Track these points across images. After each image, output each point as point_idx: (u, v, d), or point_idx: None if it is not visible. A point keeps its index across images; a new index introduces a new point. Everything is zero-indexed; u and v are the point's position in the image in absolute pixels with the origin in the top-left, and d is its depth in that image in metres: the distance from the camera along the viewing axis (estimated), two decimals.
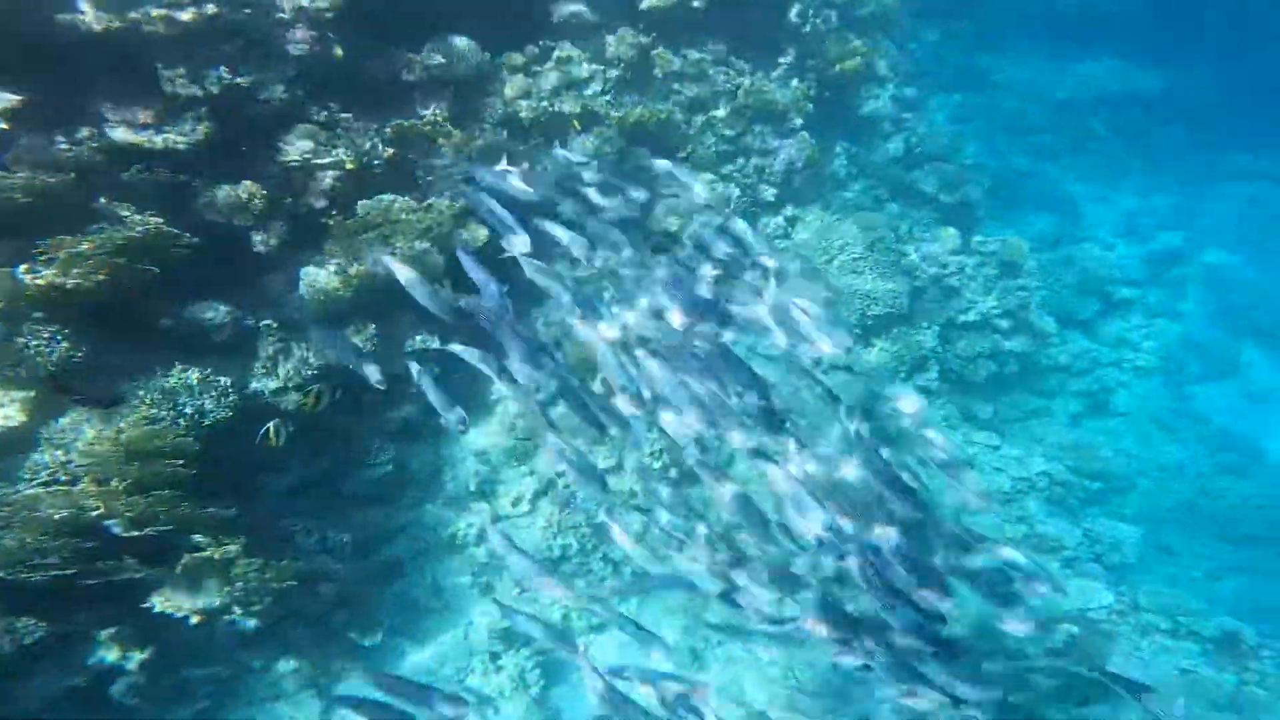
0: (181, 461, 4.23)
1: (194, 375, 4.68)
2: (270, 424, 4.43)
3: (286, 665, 5.25)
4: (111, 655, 4.47)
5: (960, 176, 9.78)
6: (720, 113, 8.49)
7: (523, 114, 7.27)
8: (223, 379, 4.81)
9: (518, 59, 7.51)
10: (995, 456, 8.68)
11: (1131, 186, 14.58)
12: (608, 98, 7.80)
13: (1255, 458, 10.29)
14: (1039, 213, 13.33)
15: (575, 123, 7.39)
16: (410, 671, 5.62)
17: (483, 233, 6.24)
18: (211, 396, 4.66)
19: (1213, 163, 14.83)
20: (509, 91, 7.36)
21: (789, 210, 8.93)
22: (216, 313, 5.21)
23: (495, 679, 5.66)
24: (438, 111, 6.63)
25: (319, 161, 5.72)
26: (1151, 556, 8.59)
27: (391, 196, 6.05)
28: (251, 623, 4.66)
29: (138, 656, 4.50)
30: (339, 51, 5.98)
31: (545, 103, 7.41)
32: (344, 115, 6.13)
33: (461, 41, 6.95)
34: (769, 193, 8.79)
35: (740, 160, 8.71)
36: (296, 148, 5.76)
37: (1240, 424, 10.92)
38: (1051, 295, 10.31)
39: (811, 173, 8.86)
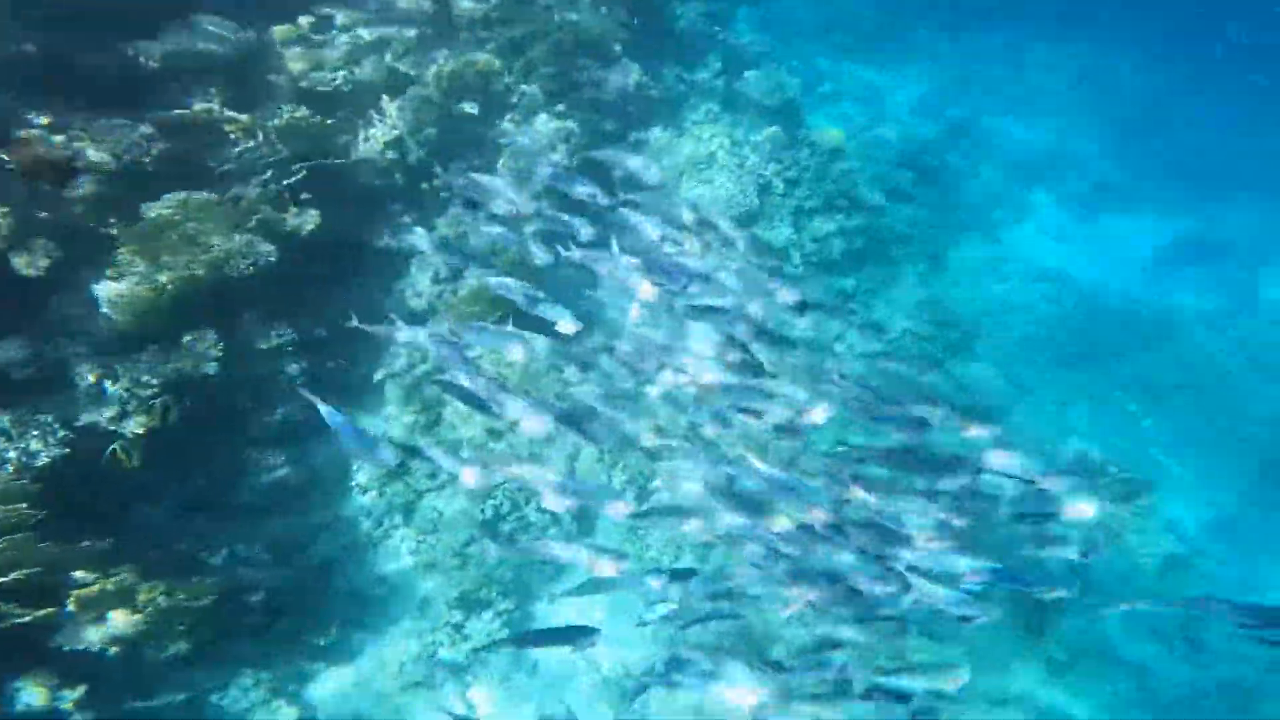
0: (25, 505, 3.58)
1: (5, 419, 3.94)
2: (114, 446, 3.89)
3: (246, 680, 4.90)
4: (38, 699, 4.13)
5: (778, 81, 10.15)
6: (538, 52, 8.18)
7: (320, 87, 6.59)
8: (42, 417, 4.11)
9: (289, 31, 6.80)
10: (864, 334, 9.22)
11: (916, 73, 15.82)
12: (411, 58, 7.24)
13: (1064, 283, 11.65)
14: (849, 104, 14.21)
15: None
16: (379, 659, 5.27)
17: (311, 216, 5.67)
18: (35, 437, 3.99)
19: (975, 40, 16.34)
20: (295, 66, 6.68)
21: (632, 136, 8.85)
22: (6, 351, 4.42)
23: (465, 646, 5.33)
24: (210, 98, 5.88)
25: (75, 165, 4.91)
26: (1012, 395, 9.50)
27: (185, 193, 5.33)
28: (182, 645, 4.34)
29: (71, 695, 4.17)
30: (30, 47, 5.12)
31: (343, 72, 6.76)
32: (77, 116, 5.30)
33: (212, 21, 6.19)
34: (608, 123, 8.64)
35: (573, 95, 8.48)
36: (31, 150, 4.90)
37: (1046, 257, 12.32)
38: (875, 173, 11.04)
39: (643, 97, 8.79)
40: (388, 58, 7.17)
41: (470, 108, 7.51)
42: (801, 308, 4.64)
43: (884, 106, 14.57)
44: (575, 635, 4.39)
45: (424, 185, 6.89)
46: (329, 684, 5.19)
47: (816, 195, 9.36)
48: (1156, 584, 7.92)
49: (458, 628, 5.57)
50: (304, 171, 5.68)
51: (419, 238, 5.44)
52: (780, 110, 10.11)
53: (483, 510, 6.00)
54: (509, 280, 4.68)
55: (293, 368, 5.48)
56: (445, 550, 5.74)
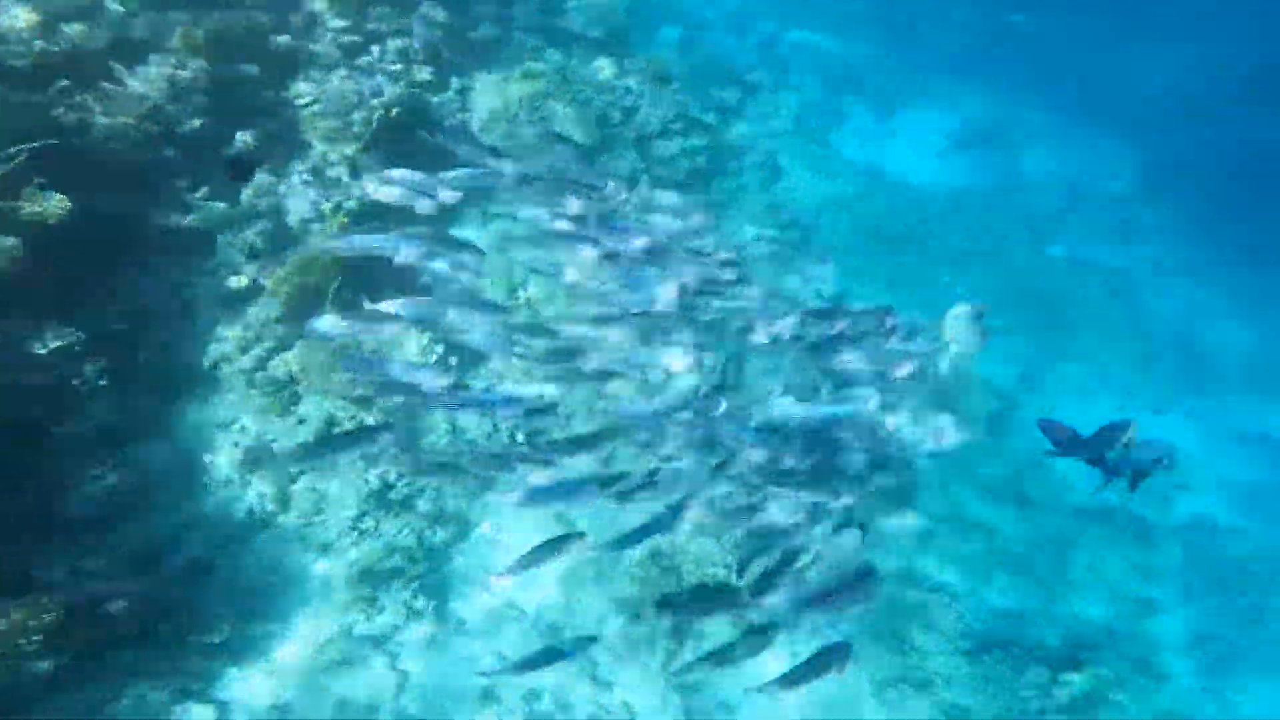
0: None
1: None
2: None
3: (141, 687, 4.54)
4: None
5: (602, 9, 9.91)
6: (320, 5, 7.38)
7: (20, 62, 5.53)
8: None
9: None
10: (716, 238, 9.48)
11: None
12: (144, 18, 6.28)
13: (878, 176, 12.51)
14: (669, 27, 14.19)
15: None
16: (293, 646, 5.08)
17: (56, 201, 4.85)
18: None
19: None
20: None
21: (455, 83, 8.30)
22: None
23: (383, 618, 5.07)
24: None
25: None
26: (849, 283, 10.16)
27: None
28: (43, 664, 4.04)
29: None
30: None
31: (56, 46, 5.75)
32: None
33: None
34: (424, 72, 8.02)
35: (375, 49, 7.76)
36: None
37: (861, 155, 13.13)
38: (703, 93, 11.19)
39: (459, 40, 8.24)
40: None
41: (250, 69, 6.65)
42: None
43: (703, 26, 14.69)
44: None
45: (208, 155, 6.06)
46: (245, 678, 4.90)
47: (653, 121, 9.33)
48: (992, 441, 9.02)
49: (370, 601, 5.27)
50: (24, 155, 4.77)
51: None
52: (608, 40, 9.91)
53: (367, 481, 5.63)
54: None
55: (88, 368, 4.75)
56: (336, 529, 5.37)
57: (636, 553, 5.79)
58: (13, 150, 4.73)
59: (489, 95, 8.29)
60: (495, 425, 5.91)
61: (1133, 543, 8.62)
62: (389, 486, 5.83)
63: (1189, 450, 9.77)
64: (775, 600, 4.03)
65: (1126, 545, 8.57)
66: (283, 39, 7.13)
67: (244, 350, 5.60)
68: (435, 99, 8.08)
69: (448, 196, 4.48)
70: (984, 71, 15.10)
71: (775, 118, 12.35)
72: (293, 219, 6.27)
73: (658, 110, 9.51)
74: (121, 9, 6.24)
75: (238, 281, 5.72)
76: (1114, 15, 14.75)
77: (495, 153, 4.97)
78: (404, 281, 4.90)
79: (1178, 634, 8.05)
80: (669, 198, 5.47)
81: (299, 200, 6.13)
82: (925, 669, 7.15)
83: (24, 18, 5.51)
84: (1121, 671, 7.07)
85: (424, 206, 4.51)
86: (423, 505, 5.94)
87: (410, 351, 5.74)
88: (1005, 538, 8.44)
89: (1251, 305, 11.34)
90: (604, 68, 9.33)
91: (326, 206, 6.02)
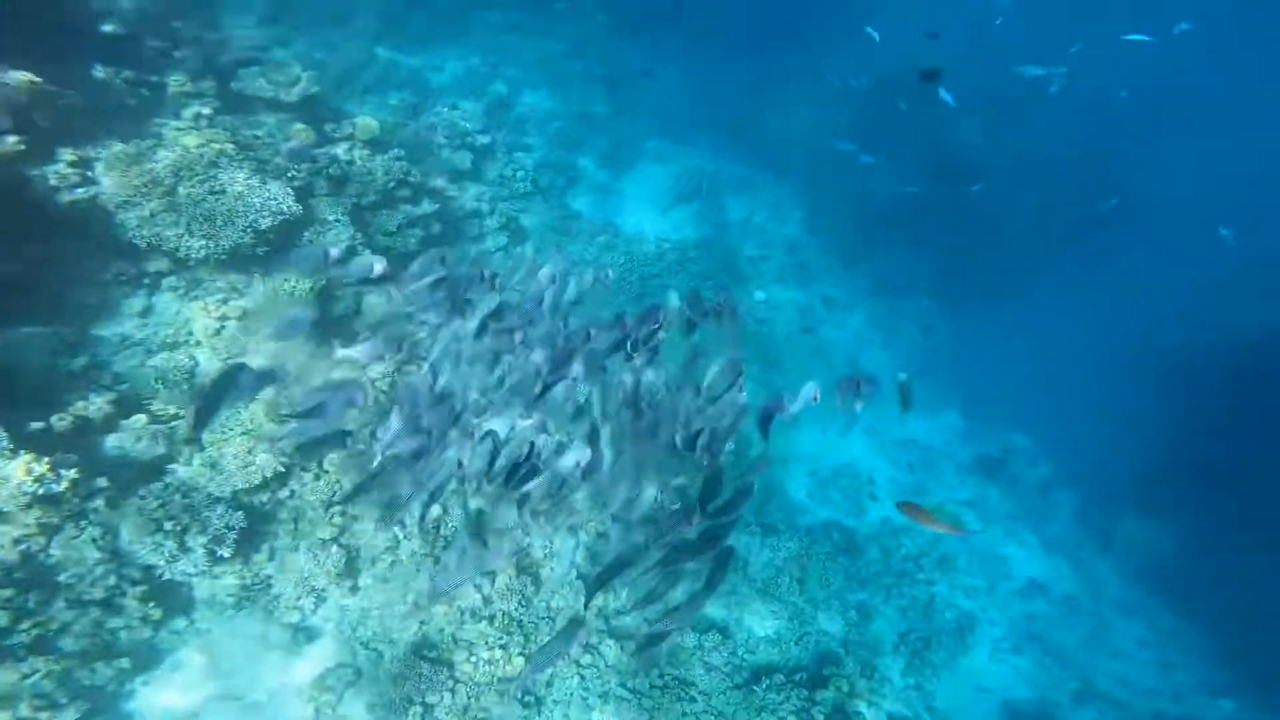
0: None
1: None
2: None
3: None
4: None
5: (291, 73, 8.34)
6: None
7: None
8: None
9: None
10: None
11: (450, 53, 15.20)
12: None
13: (616, 233, 12.71)
14: (394, 91, 12.92)
15: None
16: None
17: None
18: None
19: (502, 21, 16.32)
20: None
21: (69, 155, 6.23)
22: None
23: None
24: None
25: None
26: None
27: None
28: None
29: None
30: None
31: None
32: None
33: None
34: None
35: None
36: None
37: (599, 213, 13.27)
38: (429, 158, 10.19)
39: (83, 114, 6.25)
40: None
41: None
42: None
43: (430, 89, 13.63)
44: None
45: None
46: None
47: (371, 190, 8.08)
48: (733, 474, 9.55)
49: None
50: None
51: None
52: (304, 104, 8.40)
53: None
54: None
55: None
56: None
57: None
58: None
59: (122, 163, 6.34)
60: None
61: (846, 554, 9.72)
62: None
63: (871, 461, 11.59)
64: None
65: (842, 556, 9.63)
66: None
67: None
68: (37, 171, 5.94)
69: None
70: (693, 129, 16.39)
71: (513, 180, 11.82)
72: None
73: (377, 176, 8.32)
74: None
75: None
76: (783, 73, 16.71)
77: None
78: None
79: (889, 635, 9.26)
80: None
81: None
82: (712, 709, 7.37)
83: None
84: (856, 682, 7.77)
85: None
86: None
87: None
88: (755, 567, 8.93)
89: (887, 331, 13.84)
90: (301, 132, 7.85)
91: None
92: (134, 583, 5.28)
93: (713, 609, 8.41)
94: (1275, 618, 10.59)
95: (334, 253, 5.32)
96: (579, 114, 15.60)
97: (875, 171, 14.30)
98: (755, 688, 7.65)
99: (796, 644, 8.37)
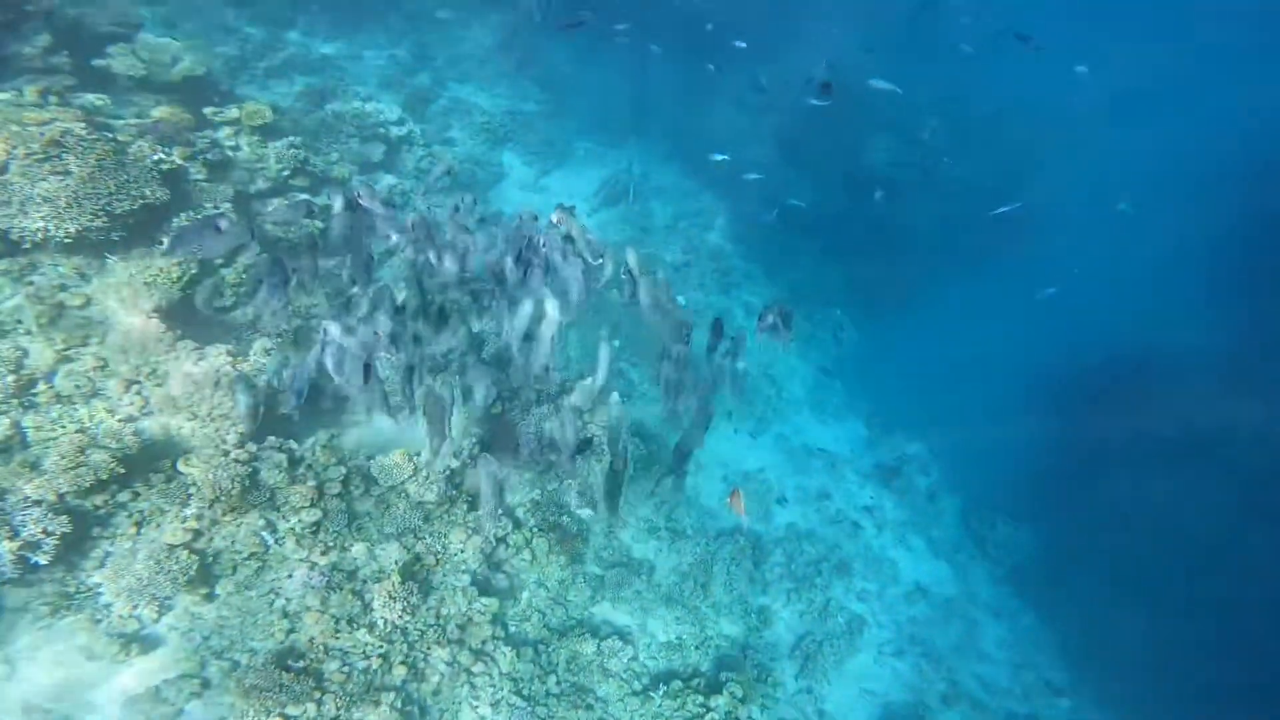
0: None
1: None
2: None
3: None
4: None
5: (172, 51, 7.63)
6: None
7: None
8: None
9: None
10: None
11: (370, 42, 14.50)
12: None
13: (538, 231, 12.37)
14: (301, 76, 12.17)
15: None
16: None
17: None
18: None
19: (432, 10, 15.73)
20: None
21: None
22: None
23: None
24: None
25: None
26: None
27: None
28: None
29: None
30: None
31: None
32: None
33: None
34: None
35: None
36: None
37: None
38: (333, 147, 9.61)
39: None
40: None
41: None
42: None
43: (347, 77, 12.91)
44: None
45: None
46: None
47: (260, 178, 7.50)
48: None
49: None
50: None
51: None
52: (183, 86, 7.72)
53: None
54: None
55: None
56: None
57: None
58: None
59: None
60: None
61: (751, 557, 9.75)
62: None
63: (779, 466, 11.75)
64: None
65: (747, 560, 9.66)
66: None
67: None
68: None
69: None
70: (619, 129, 16.26)
71: (430, 173, 11.30)
72: None
73: (269, 164, 7.72)
74: None
75: None
76: (717, 80, 16.83)
77: None
78: None
79: (785, 639, 9.34)
80: None
81: None
82: (609, 716, 7.26)
83: None
84: (750, 687, 7.76)
85: None
86: None
87: None
88: (662, 572, 8.83)
89: (802, 341, 14.12)
90: (169, 114, 7.13)
91: None
92: None
93: (616, 614, 8.26)
94: (1112, 618, 11.35)
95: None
96: (508, 110, 15.22)
97: (792, 183, 14.62)
98: (653, 694, 7.54)
99: (697, 649, 8.32)
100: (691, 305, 12.85)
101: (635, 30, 13.96)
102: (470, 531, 7.01)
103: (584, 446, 5.65)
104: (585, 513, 8.35)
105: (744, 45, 12.51)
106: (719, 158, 12.17)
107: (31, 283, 5.81)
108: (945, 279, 14.97)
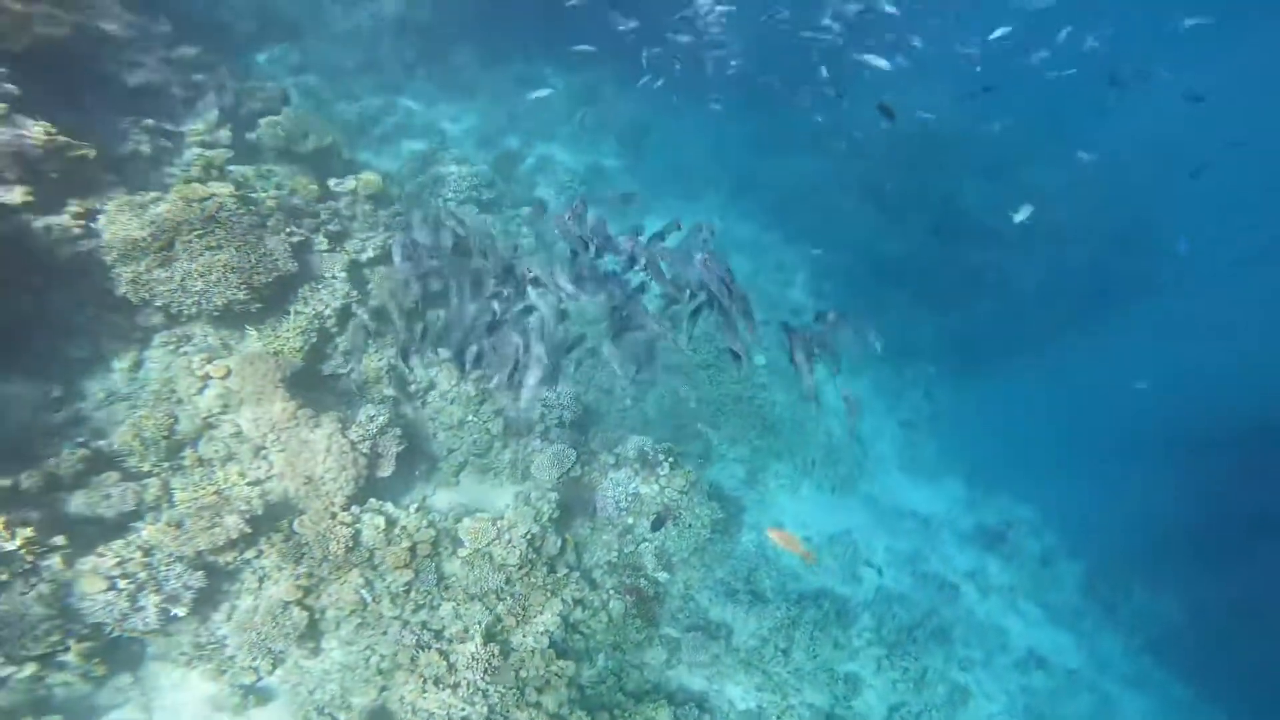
0: None
1: None
2: None
3: None
4: None
5: (303, 125, 8.69)
6: None
7: None
8: None
9: None
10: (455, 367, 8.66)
11: (469, 103, 15.74)
12: None
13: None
14: (410, 140, 13.39)
15: None
16: None
17: None
18: None
19: (506, 74, 16.88)
20: None
21: (76, 206, 6.52)
22: None
23: None
24: None
25: None
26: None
27: None
28: None
29: None
30: None
31: None
32: None
33: None
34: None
35: None
36: None
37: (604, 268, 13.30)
38: (440, 210, 10.46)
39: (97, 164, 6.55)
40: None
41: None
42: None
43: (448, 139, 14.08)
44: None
45: None
46: None
47: (370, 246, 8.30)
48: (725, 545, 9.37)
49: None
50: None
51: None
52: (316, 156, 8.78)
53: None
54: None
55: None
56: None
57: None
58: None
59: (125, 219, 6.56)
60: None
61: (836, 621, 9.40)
62: None
63: (867, 528, 11.30)
64: None
65: (832, 625, 9.33)
66: None
67: None
68: (41, 223, 6.19)
69: None
70: (698, 181, 16.59)
71: (518, 235, 12.00)
72: None
73: (374, 235, 8.52)
74: None
75: None
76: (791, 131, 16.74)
77: None
78: None
79: (876, 710, 8.88)
80: None
81: None
82: None
83: None
84: None
85: None
86: None
87: None
88: (741, 636, 8.69)
89: (890, 397, 13.59)
90: (304, 187, 8.09)
91: None
92: (80, 639, 5.27)
93: (693, 679, 8.19)
94: None
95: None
96: (591, 166, 15.94)
97: (882, 231, 14.28)
98: None
99: (779, 718, 8.06)
100: (772, 364, 12.75)
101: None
102: (550, 594, 7.23)
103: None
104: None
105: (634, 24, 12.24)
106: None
107: (185, 353, 6.71)
108: (1051, 330, 14.07)
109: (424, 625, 6.44)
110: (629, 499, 8.66)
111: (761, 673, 8.48)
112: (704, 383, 11.69)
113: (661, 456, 9.13)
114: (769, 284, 14.93)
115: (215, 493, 5.98)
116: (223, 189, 7.10)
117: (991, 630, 10.62)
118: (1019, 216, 9.68)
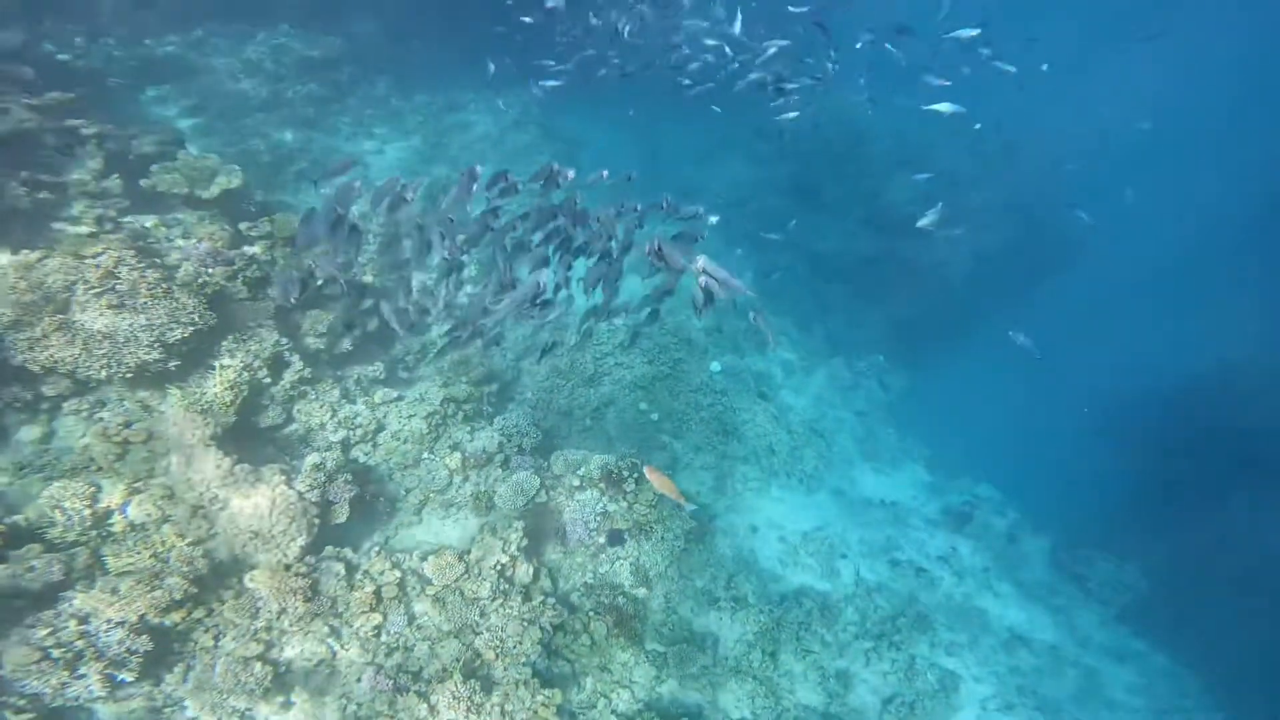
0: None
1: None
2: None
3: None
4: None
5: (206, 167, 8.42)
6: None
7: None
8: None
9: None
10: (404, 406, 8.49)
11: (386, 136, 15.63)
12: None
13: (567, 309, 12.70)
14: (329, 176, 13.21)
15: None
16: None
17: None
18: None
19: (432, 102, 16.88)
20: None
21: None
22: None
23: None
24: None
25: None
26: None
27: None
28: None
29: None
30: None
31: None
32: None
33: None
34: None
35: None
36: None
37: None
38: (371, 246, 10.32)
39: None
40: None
41: None
42: None
43: (370, 173, 13.93)
44: None
45: None
46: None
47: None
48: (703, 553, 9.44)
49: None
50: None
51: None
52: (222, 200, 8.50)
53: None
54: None
55: None
56: None
57: None
58: None
59: (11, 282, 6.23)
60: None
61: (820, 618, 9.54)
62: None
63: (839, 521, 11.57)
64: None
65: (817, 622, 9.44)
66: None
67: None
68: None
69: None
70: (635, 195, 16.77)
71: (468, 266, 11.91)
72: None
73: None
74: None
75: None
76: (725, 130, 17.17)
77: None
78: None
79: (871, 704, 9.02)
80: None
81: None
82: None
83: None
84: None
85: None
86: None
87: None
88: (727, 644, 8.71)
89: (847, 389, 14.05)
90: (211, 233, 7.74)
91: None
92: (16, 710, 4.89)
93: (685, 693, 8.14)
94: (1259, 648, 10.61)
95: None
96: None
97: (822, 228, 14.84)
98: None
99: None
100: (728, 370, 13.00)
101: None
102: (527, 622, 7.11)
103: None
104: None
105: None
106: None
107: (101, 419, 6.35)
108: (991, 312, 14.89)
109: (399, 668, 6.21)
110: (598, 518, 8.63)
111: (753, 678, 8.51)
112: (663, 395, 11.81)
113: (626, 472, 9.16)
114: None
115: (153, 555, 5.66)
116: (118, 241, 6.79)
117: (972, 613, 10.96)
118: (924, 221, 10.03)
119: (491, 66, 13.50)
